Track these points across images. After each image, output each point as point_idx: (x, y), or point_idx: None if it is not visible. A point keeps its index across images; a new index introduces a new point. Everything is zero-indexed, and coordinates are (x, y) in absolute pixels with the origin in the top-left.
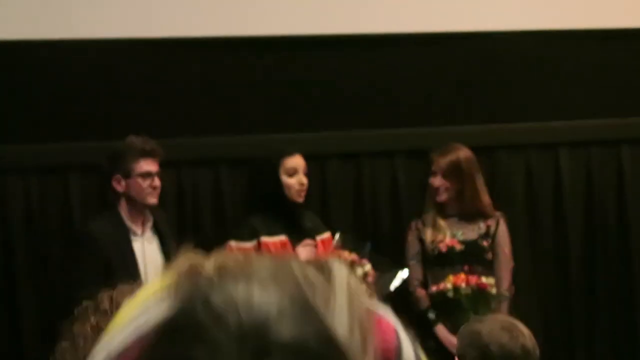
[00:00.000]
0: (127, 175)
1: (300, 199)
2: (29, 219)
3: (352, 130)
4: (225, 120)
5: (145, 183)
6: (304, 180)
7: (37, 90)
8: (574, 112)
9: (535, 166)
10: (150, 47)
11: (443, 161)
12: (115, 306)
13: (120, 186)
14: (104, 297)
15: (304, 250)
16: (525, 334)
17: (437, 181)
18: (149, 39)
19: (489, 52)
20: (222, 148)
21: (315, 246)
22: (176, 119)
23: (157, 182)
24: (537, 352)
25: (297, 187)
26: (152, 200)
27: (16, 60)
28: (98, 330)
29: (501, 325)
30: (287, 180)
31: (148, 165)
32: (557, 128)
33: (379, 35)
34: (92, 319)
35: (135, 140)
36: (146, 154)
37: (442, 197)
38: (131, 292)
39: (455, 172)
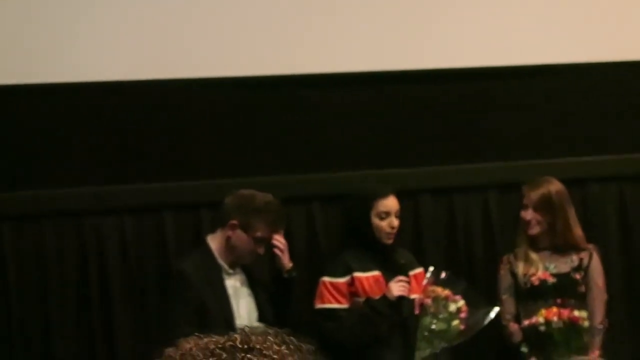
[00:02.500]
0: (245, 228)
1: (390, 241)
2: (124, 258)
3: (445, 165)
4: (316, 157)
5: (253, 246)
6: (395, 223)
7: (127, 131)
8: None
9: (629, 197)
10: (235, 86)
11: (534, 194)
12: (182, 354)
13: (232, 233)
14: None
15: (397, 287)
16: None
17: (528, 214)
18: (232, 77)
19: (582, 84)
20: (315, 185)
21: (408, 282)
22: (268, 157)
23: (262, 249)
24: None
25: (387, 229)
26: (248, 261)
27: (109, 99)
28: None
29: None
30: (377, 222)
31: (267, 232)
32: None
33: (479, 68)
34: None
35: (272, 202)
36: (272, 222)
37: (534, 230)
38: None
39: (546, 205)
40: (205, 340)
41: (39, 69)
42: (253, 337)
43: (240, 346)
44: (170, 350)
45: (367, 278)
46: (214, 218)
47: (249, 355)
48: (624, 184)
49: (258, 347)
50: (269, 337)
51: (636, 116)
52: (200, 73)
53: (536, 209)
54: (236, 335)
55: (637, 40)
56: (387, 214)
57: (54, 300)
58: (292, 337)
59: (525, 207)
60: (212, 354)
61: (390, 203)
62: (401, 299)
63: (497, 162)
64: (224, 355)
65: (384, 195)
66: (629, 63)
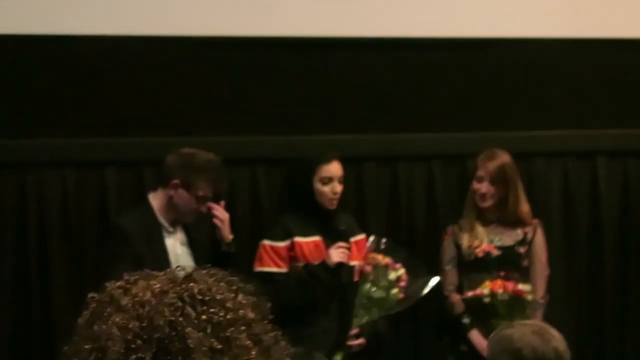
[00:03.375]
0: (187, 187)
1: (332, 207)
2: (65, 212)
3: (390, 134)
4: (262, 120)
5: (195, 205)
6: (338, 188)
7: (74, 85)
8: (612, 120)
9: (572, 174)
10: (188, 45)
11: (491, 166)
12: (136, 302)
13: (174, 191)
14: (118, 291)
15: (336, 253)
16: (556, 337)
17: (483, 187)
18: (187, 36)
19: (526, 58)
20: (260, 148)
21: (349, 249)
22: (213, 118)
23: (205, 208)
24: (569, 354)
25: (329, 195)
26: (190, 220)
27: (56, 52)
28: (126, 331)
29: (532, 330)
30: (320, 187)
31: (209, 191)
32: (594, 136)
33: (420, 38)
34: (115, 317)
35: (212, 160)
36: (214, 180)
37: (487, 202)
38: (146, 284)
39: (501, 178)
40: (157, 284)
41: None
42: (213, 288)
43: (200, 297)
44: (114, 289)
45: (307, 243)
46: (156, 176)
47: (212, 310)
48: (568, 160)
49: (218, 297)
50: (220, 284)
51: (584, 93)
52: (152, 30)
53: (493, 181)
54: (192, 284)
55: (592, 18)
56: (330, 179)
57: None
58: (236, 279)
59: (480, 179)
60: (174, 307)
61: (333, 168)
62: (340, 265)
63: (442, 133)
64: (187, 309)
65: (327, 160)
66: (580, 40)
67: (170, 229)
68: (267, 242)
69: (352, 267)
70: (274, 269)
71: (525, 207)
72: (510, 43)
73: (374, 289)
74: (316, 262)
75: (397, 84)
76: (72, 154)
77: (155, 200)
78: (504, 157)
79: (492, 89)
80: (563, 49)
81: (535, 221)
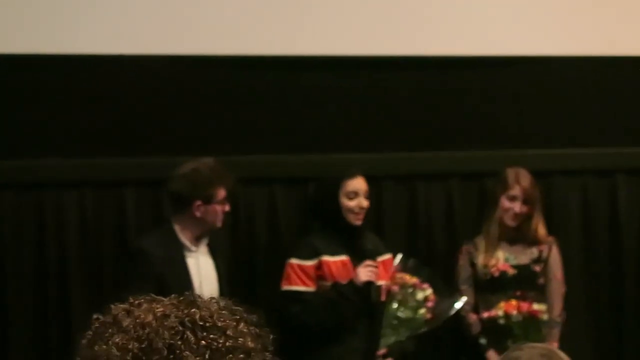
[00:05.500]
0: (208, 201)
1: (358, 222)
2: (84, 232)
3: (408, 152)
4: (280, 138)
5: (221, 208)
6: (364, 203)
7: (91, 105)
8: (632, 138)
9: (591, 192)
10: (206, 64)
11: (526, 186)
12: (138, 324)
13: (199, 212)
14: (121, 312)
15: (364, 272)
16: None
17: (517, 207)
18: (204, 55)
19: (545, 76)
20: (277, 167)
21: (376, 267)
22: (231, 137)
23: (228, 206)
24: None
25: (356, 210)
26: (220, 224)
27: (73, 72)
28: (125, 351)
29: (540, 353)
30: (346, 202)
31: (225, 192)
32: (613, 154)
33: (439, 57)
34: (116, 338)
35: (214, 166)
36: (225, 180)
37: (517, 221)
38: (150, 307)
39: (533, 197)
40: (160, 308)
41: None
42: (215, 315)
43: (201, 323)
44: (118, 311)
45: (334, 262)
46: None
47: (212, 336)
48: (588, 178)
49: (220, 324)
50: (223, 312)
51: (604, 111)
52: (171, 50)
53: (526, 201)
54: (195, 310)
55: (611, 36)
56: (356, 194)
57: (11, 274)
58: (240, 308)
59: (513, 198)
60: (174, 331)
61: (359, 183)
62: (368, 284)
63: (460, 151)
64: (187, 334)
65: (352, 175)
66: (600, 58)
67: (193, 248)
68: (294, 261)
69: (380, 287)
70: (302, 288)
71: (542, 226)
72: (529, 61)
73: (401, 309)
74: (344, 282)
75: (414, 102)
76: (90, 173)
77: (177, 222)
78: (530, 176)
79: (510, 106)
80: (582, 67)
81: (550, 239)
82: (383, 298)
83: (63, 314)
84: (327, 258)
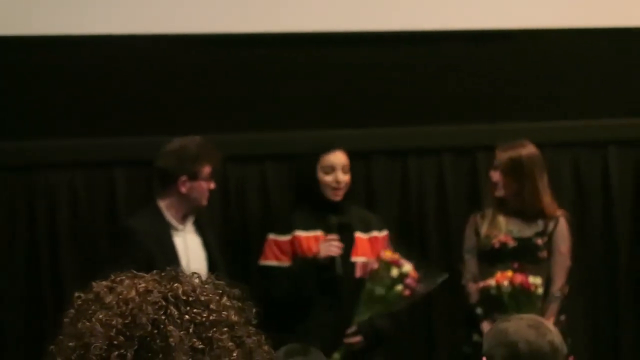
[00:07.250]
0: (194, 177)
1: (336, 198)
2: (75, 212)
3: (399, 127)
4: (270, 116)
5: (206, 185)
6: (341, 178)
7: (80, 85)
8: (623, 110)
9: (583, 164)
10: (195, 43)
11: (503, 157)
12: (121, 300)
13: (184, 187)
14: (104, 289)
15: (325, 246)
16: (552, 331)
17: (495, 176)
18: (189, 34)
19: (537, 49)
20: (268, 144)
21: (339, 242)
22: (222, 115)
23: (213, 184)
24: (565, 348)
25: (333, 184)
26: (206, 202)
27: (63, 53)
28: (109, 327)
29: (528, 323)
30: (323, 177)
31: (211, 168)
32: (604, 126)
33: (429, 31)
34: (99, 315)
35: (201, 143)
36: (211, 157)
37: (500, 192)
38: (132, 283)
39: (514, 169)
40: (143, 284)
41: None
42: (198, 289)
43: (184, 298)
44: (100, 288)
45: (307, 237)
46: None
47: (195, 310)
48: (579, 150)
49: (203, 299)
50: (206, 286)
51: (595, 83)
52: (159, 29)
53: (504, 172)
54: (177, 284)
55: (600, 7)
56: (332, 168)
57: (2, 255)
58: (222, 282)
59: (495, 168)
60: (157, 306)
61: (335, 157)
62: (332, 258)
63: (452, 125)
64: (170, 308)
65: (329, 150)
66: (590, 30)
67: (180, 227)
68: (271, 236)
69: (352, 262)
70: (275, 263)
71: (547, 200)
72: (518, 34)
73: (377, 285)
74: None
75: (406, 76)
76: (81, 154)
77: (163, 200)
78: (520, 149)
79: (501, 80)
80: (572, 39)
81: (560, 212)
82: (362, 274)
83: (55, 295)
84: (300, 233)
